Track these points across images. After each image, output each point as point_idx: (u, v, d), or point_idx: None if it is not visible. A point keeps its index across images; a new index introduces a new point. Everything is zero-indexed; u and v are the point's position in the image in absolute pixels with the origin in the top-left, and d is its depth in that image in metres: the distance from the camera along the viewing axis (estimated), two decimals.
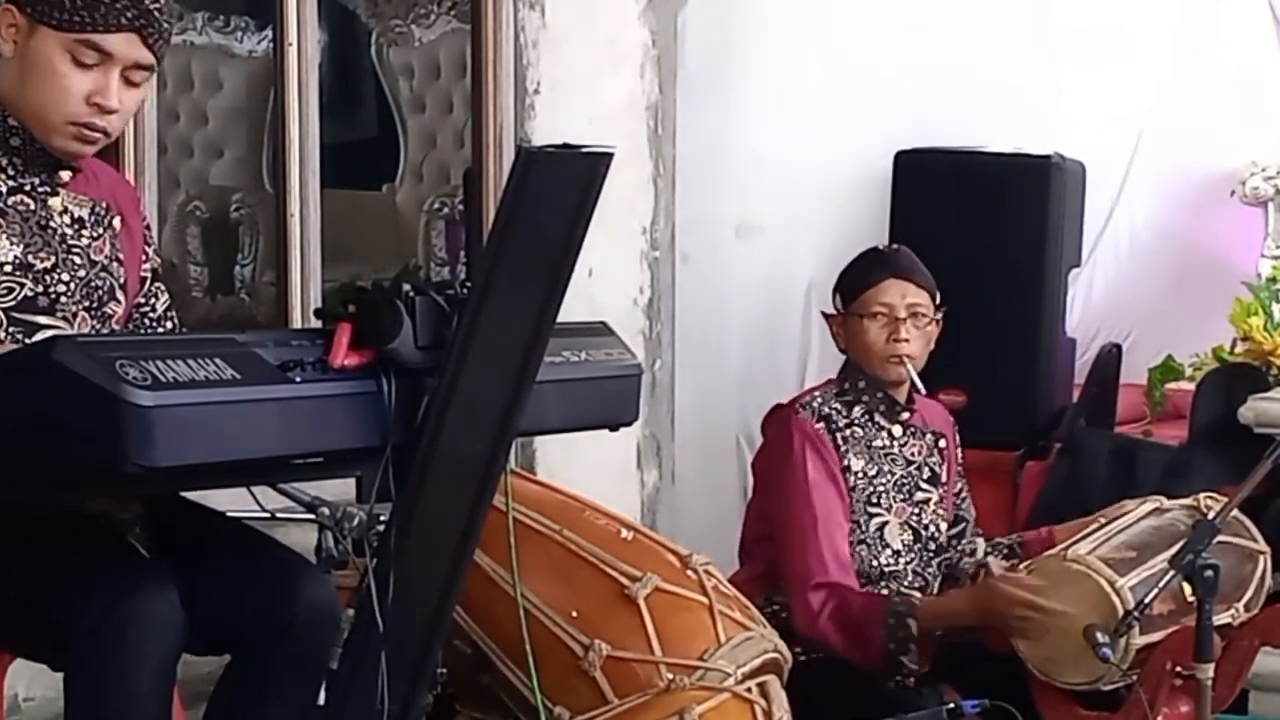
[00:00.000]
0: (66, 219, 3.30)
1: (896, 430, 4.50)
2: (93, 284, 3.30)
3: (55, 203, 3.28)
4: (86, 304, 3.29)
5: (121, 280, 3.37)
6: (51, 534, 3.08)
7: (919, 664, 4.24)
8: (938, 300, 4.51)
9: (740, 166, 6.41)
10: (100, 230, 3.35)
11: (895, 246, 4.64)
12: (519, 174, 2.90)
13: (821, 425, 4.41)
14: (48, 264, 3.24)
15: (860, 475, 4.43)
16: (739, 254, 6.42)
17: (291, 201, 5.29)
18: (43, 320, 3.22)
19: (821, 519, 4.32)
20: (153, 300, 3.48)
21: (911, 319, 4.44)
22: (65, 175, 3.30)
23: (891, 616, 4.22)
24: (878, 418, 4.48)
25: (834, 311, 4.55)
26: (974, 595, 4.33)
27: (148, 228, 3.55)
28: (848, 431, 4.44)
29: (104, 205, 3.36)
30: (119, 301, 3.36)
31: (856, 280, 4.51)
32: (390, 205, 8.63)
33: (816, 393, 4.50)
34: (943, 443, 4.60)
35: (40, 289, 3.23)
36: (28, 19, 3.19)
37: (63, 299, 3.25)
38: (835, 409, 4.45)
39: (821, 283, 6.21)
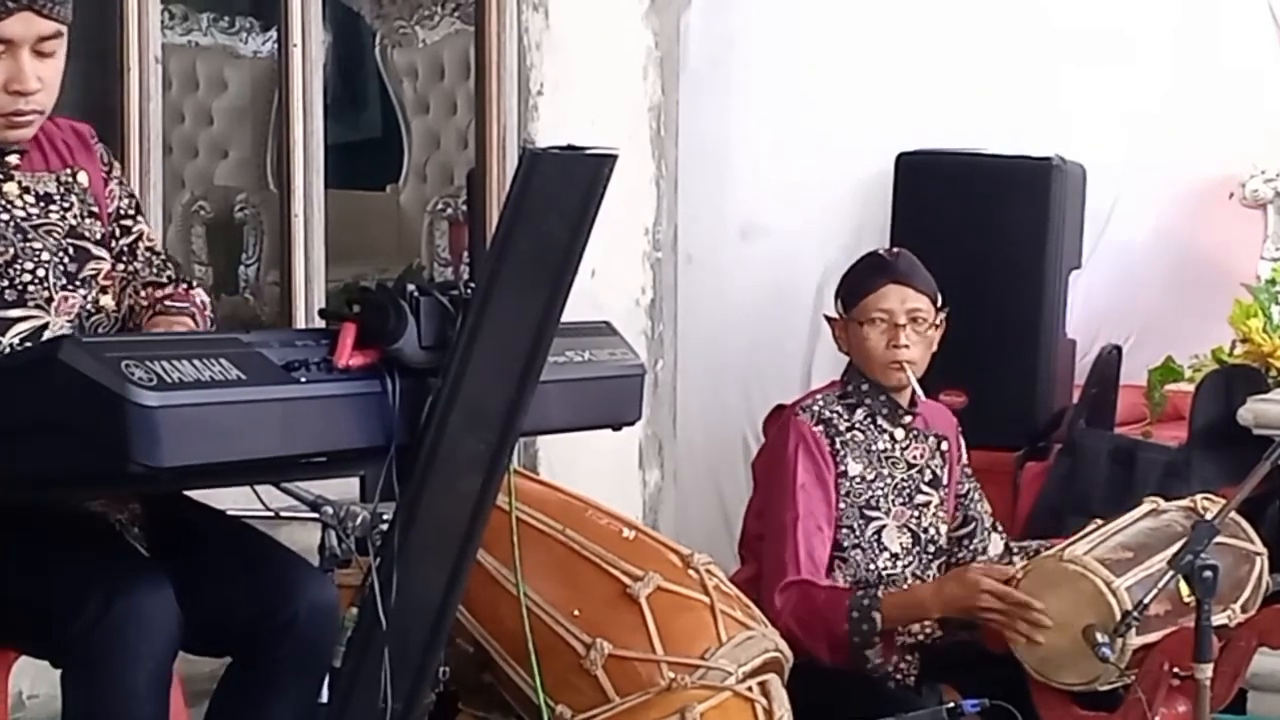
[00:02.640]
0: (30, 199, 3.26)
1: (899, 433, 4.50)
2: (63, 257, 3.25)
3: (10, 188, 3.24)
4: (63, 280, 3.24)
5: (98, 236, 3.33)
6: (49, 533, 3.09)
7: (883, 657, 4.25)
8: (939, 303, 4.51)
9: (742, 168, 6.42)
10: (70, 198, 3.31)
11: (896, 250, 4.62)
12: (523, 175, 2.91)
13: (820, 428, 4.41)
14: (7, 257, 3.20)
15: (858, 480, 4.43)
16: (741, 255, 6.43)
17: (296, 202, 5.30)
18: (14, 314, 3.19)
19: (802, 519, 4.32)
20: (124, 238, 3.40)
21: (911, 324, 4.43)
22: (13, 159, 3.26)
23: (855, 610, 4.22)
24: (880, 421, 4.48)
25: (836, 315, 4.56)
26: (938, 585, 4.34)
27: (107, 163, 3.45)
28: (848, 435, 4.44)
29: (67, 172, 3.32)
30: (101, 258, 3.31)
31: (857, 285, 4.51)
32: (394, 206, 8.64)
33: (819, 395, 4.51)
34: (945, 445, 4.59)
35: (4, 284, 3.19)
36: None
37: (30, 288, 3.21)
38: (836, 412, 4.45)
39: (828, 284, 6.24)
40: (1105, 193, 6.14)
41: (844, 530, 4.41)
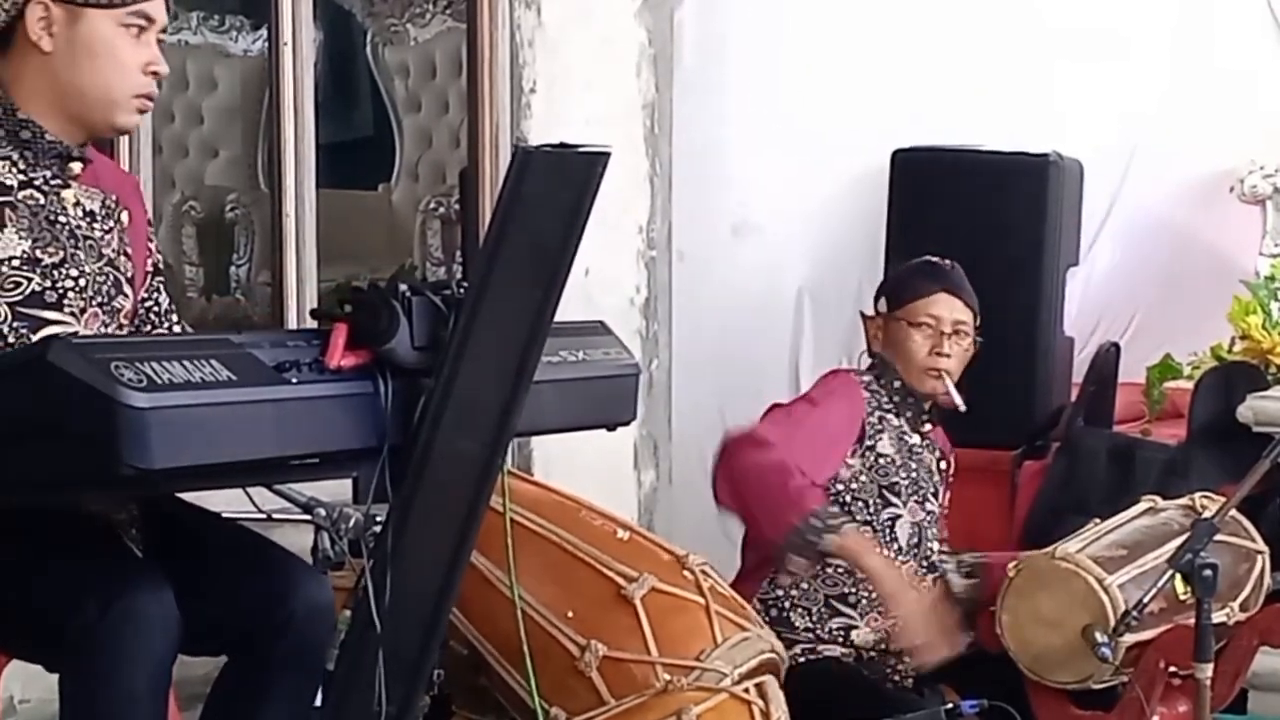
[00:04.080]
0: (79, 211, 3.28)
1: (915, 439, 4.52)
2: (102, 279, 3.28)
3: (68, 195, 3.27)
4: (98, 300, 3.27)
5: (129, 274, 3.35)
6: (47, 535, 3.08)
7: (806, 564, 4.22)
8: (979, 322, 4.55)
9: (737, 165, 6.41)
10: (110, 224, 3.33)
11: (950, 263, 4.64)
12: (516, 174, 2.91)
13: (868, 395, 4.46)
14: (55, 259, 3.22)
15: (886, 459, 4.44)
16: (735, 253, 6.42)
17: (287, 201, 5.29)
18: (50, 315, 3.19)
19: (803, 431, 4.30)
20: (156, 295, 3.47)
21: (955, 335, 4.49)
22: (76, 167, 3.29)
23: (814, 518, 4.14)
24: (902, 421, 4.49)
25: (873, 313, 4.57)
26: (902, 571, 4.32)
27: (149, 222, 3.55)
28: (889, 414, 4.48)
29: (113, 198, 3.35)
30: (126, 295, 3.34)
31: (908, 287, 4.54)
32: (386, 205, 8.63)
33: (867, 374, 4.54)
34: (944, 465, 4.63)
35: (48, 284, 3.20)
36: (66, 8, 3.18)
37: (70, 294, 3.23)
38: (882, 391, 4.49)
39: (814, 282, 6.23)
40: (1104, 189, 6.13)
41: (859, 503, 4.42)
